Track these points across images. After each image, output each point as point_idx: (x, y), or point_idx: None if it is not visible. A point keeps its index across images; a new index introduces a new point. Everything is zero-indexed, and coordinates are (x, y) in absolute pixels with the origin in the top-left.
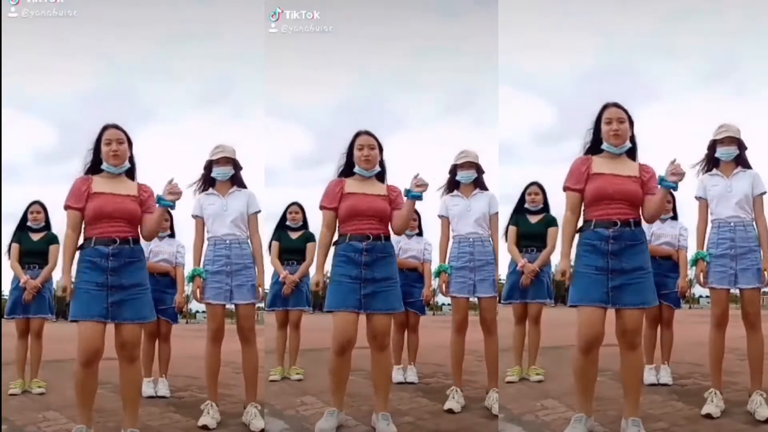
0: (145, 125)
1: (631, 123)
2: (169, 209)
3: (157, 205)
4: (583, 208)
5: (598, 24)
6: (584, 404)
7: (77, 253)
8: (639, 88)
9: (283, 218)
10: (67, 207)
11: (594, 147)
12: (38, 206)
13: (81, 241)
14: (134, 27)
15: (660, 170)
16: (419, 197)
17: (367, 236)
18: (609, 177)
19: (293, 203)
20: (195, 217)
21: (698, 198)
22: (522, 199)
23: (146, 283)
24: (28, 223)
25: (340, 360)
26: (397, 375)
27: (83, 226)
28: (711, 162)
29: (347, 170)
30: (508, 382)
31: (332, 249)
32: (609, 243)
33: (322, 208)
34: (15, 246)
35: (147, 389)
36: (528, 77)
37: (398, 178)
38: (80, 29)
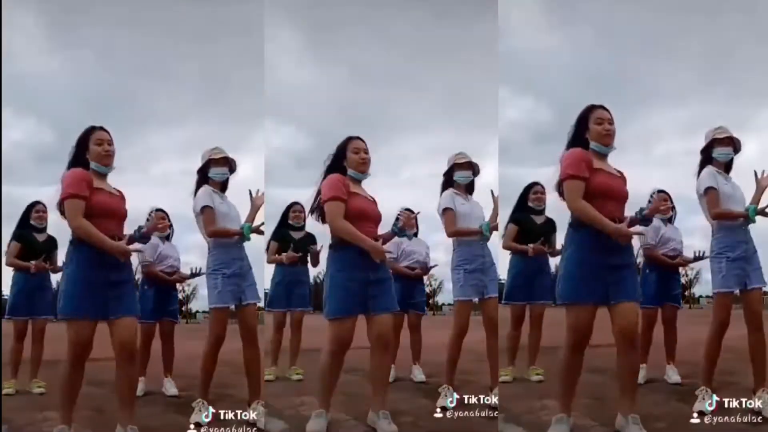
0: (145, 125)
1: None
2: None
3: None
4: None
5: (598, 24)
6: (567, 404)
7: (69, 248)
8: (639, 88)
9: (284, 218)
10: (71, 196)
11: (575, 146)
12: (42, 206)
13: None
14: (134, 27)
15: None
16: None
17: (375, 239)
18: (608, 174)
19: (295, 203)
20: (207, 208)
21: (710, 189)
22: (523, 199)
23: (133, 280)
24: (32, 222)
25: (336, 361)
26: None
27: None
28: (705, 162)
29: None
30: (502, 382)
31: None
32: (611, 239)
33: (333, 199)
34: (15, 244)
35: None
36: (528, 77)
37: (398, 177)
38: (80, 29)
